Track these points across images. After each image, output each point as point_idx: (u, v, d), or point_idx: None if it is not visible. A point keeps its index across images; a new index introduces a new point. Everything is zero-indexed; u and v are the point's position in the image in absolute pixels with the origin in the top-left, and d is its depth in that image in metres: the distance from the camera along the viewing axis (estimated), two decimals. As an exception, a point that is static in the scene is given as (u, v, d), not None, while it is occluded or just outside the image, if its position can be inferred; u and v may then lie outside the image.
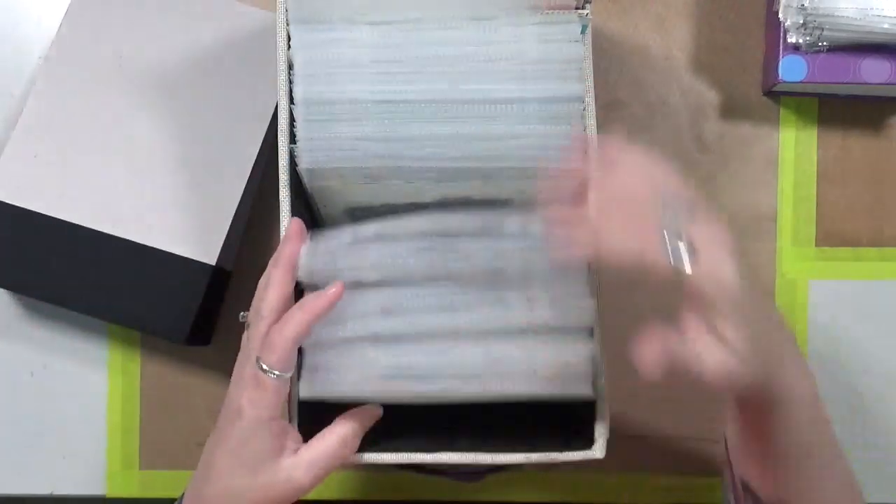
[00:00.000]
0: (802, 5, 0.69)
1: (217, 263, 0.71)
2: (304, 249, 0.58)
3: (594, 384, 0.58)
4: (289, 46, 0.59)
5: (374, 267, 0.57)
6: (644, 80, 0.77)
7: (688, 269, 0.49)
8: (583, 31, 0.58)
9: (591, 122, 0.60)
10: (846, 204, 0.77)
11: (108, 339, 0.77)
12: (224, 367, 0.76)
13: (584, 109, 0.58)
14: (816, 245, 0.77)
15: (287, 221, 0.59)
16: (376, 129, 0.57)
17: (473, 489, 0.76)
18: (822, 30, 0.69)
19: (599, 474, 0.77)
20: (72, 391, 0.77)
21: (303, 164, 0.57)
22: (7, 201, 0.71)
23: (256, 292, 0.60)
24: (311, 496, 0.58)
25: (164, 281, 0.70)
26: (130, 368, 0.77)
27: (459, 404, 0.64)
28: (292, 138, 0.58)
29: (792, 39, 0.70)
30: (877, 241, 0.77)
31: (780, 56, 0.71)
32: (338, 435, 0.57)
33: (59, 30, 0.74)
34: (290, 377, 0.57)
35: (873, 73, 0.71)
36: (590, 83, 0.60)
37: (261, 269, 0.76)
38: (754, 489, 0.59)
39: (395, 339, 0.57)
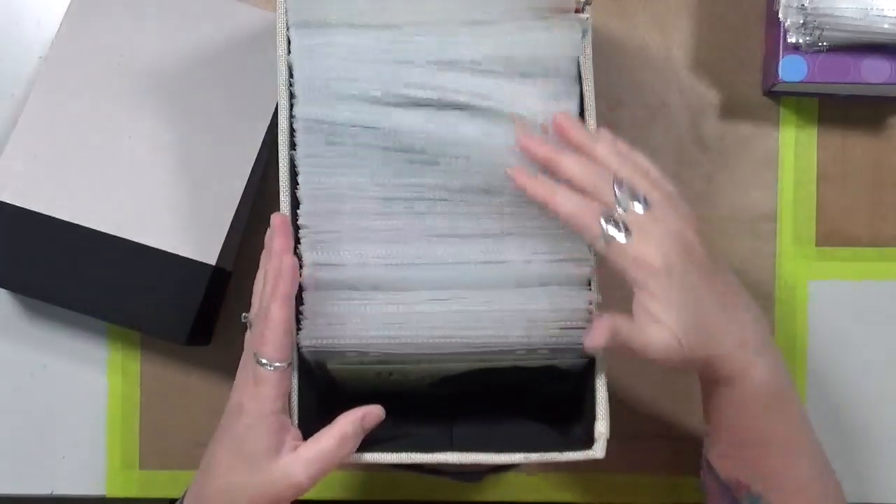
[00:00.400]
0: (802, 5, 0.69)
1: (217, 263, 0.71)
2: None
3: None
4: (289, 51, 0.59)
5: (377, 216, 0.58)
6: (644, 80, 0.77)
7: (602, 250, 0.54)
8: (584, 36, 0.59)
9: (592, 122, 0.60)
10: (846, 204, 0.77)
11: (108, 339, 0.77)
12: (224, 367, 0.77)
13: (585, 111, 0.59)
14: (816, 245, 0.77)
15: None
16: (377, 134, 0.58)
17: (473, 489, 0.76)
18: (822, 30, 0.69)
19: (599, 474, 0.77)
20: (72, 391, 0.77)
21: (301, 177, 0.58)
22: (7, 201, 0.71)
23: (254, 292, 0.60)
24: (310, 495, 0.58)
25: (164, 281, 0.71)
26: (130, 368, 0.77)
27: (459, 405, 0.64)
28: (292, 141, 0.59)
29: (792, 39, 0.70)
30: (877, 241, 0.77)
31: (780, 56, 0.71)
32: (337, 434, 0.57)
33: (59, 30, 0.74)
34: (289, 368, 0.57)
35: (873, 73, 0.71)
36: (590, 85, 0.60)
37: (261, 269, 0.76)
38: (714, 466, 0.61)
39: (396, 288, 0.58)
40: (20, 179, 0.72)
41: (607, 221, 0.54)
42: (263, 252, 0.61)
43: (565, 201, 0.54)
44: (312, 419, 0.60)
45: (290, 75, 0.59)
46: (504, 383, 0.63)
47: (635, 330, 0.54)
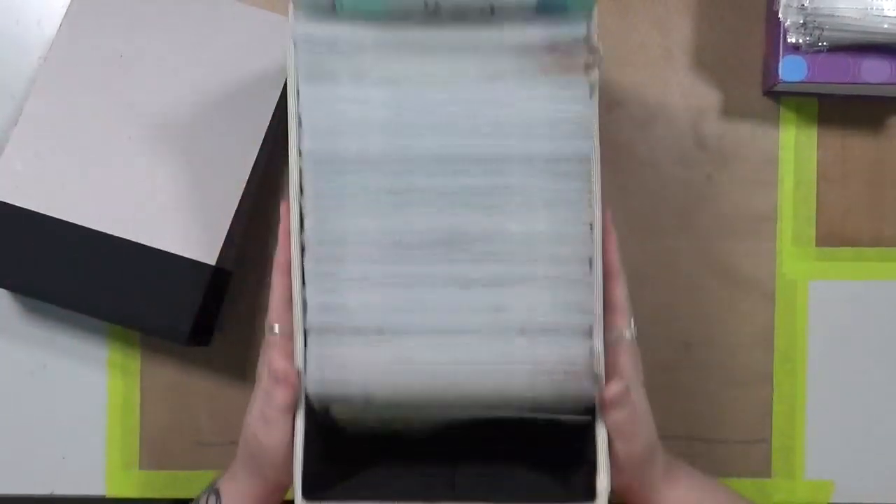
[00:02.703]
0: (802, 5, 0.69)
1: (217, 263, 0.71)
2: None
3: (595, 384, 0.58)
4: (298, 103, 0.58)
5: (382, 261, 0.58)
6: (644, 80, 0.77)
7: (626, 339, 0.61)
8: (591, 94, 0.59)
9: (597, 182, 0.59)
10: (846, 204, 0.77)
11: (108, 339, 0.77)
12: (224, 367, 0.77)
13: (590, 168, 0.58)
14: (816, 245, 0.77)
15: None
16: (384, 183, 0.58)
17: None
18: (822, 30, 0.69)
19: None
20: (72, 391, 0.77)
21: (308, 223, 0.58)
22: (7, 201, 0.71)
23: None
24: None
25: (164, 281, 0.71)
26: (130, 368, 0.77)
27: (459, 450, 0.63)
28: (300, 186, 0.59)
29: (792, 39, 0.70)
30: (877, 241, 0.77)
31: (780, 56, 0.71)
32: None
33: (59, 30, 0.74)
34: (289, 336, 0.59)
35: (873, 73, 0.71)
36: (596, 143, 0.59)
37: (261, 269, 0.76)
38: None
39: (402, 332, 0.58)
40: (20, 179, 0.72)
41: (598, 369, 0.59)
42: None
43: (618, 287, 0.61)
44: (317, 463, 0.59)
45: (300, 125, 0.58)
46: (507, 431, 0.63)
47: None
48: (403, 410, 0.59)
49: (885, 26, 0.69)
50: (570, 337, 0.58)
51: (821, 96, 0.76)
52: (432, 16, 0.57)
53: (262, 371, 0.61)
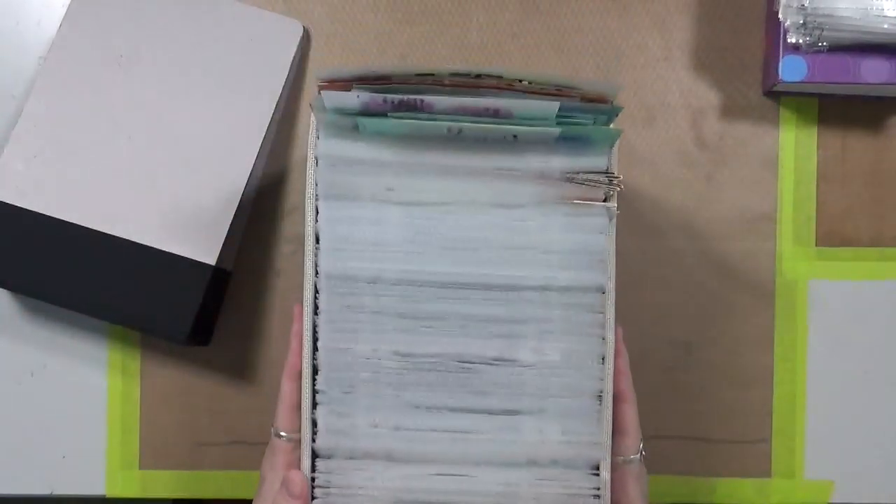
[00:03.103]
0: (802, 5, 0.69)
1: (217, 263, 0.71)
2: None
3: None
4: (316, 220, 0.59)
5: (393, 386, 0.58)
6: (644, 80, 0.77)
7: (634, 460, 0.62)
8: (609, 223, 0.58)
9: (611, 312, 0.59)
10: (846, 204, 0.77)
11: (108, 339, 0.77)
12: (224, 367, 0.77)
13: (605, 299, 0.59)
14: (816, 245, 0.77)
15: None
16: (397, 307, 0.58)
17: None
18: (822, 30, 0.69)
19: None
20: (72, 391, 0.77)
21: (322, 343, 0.59)
22: (7, 201, 0.71)
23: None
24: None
25: (164, 281, 0.71)
26: (130, 368, 0.77)
27: None
28: (315, 306, 0.59)
29: (792, 39, 0.70)
30: (877, 241, 0.77)
31: (780, 56, 0.71)
32: None
33: (59, 30, 0.74)
34: (298, 443, 0.60)
35: (873, 73, 0.71)
36: (611, 272, 0.59)
37: (261, 269, 0.77)
38: None
39: (409, 460, 0.58)
40: (20, 179, 0.72)
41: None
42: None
43: (629, 411, 0.62)
44: None
45: (317, 242, 0.58)
46: None
47: None
48: None
49: (885, 26, 0.69)
50: (578, 470, 0.59)
51: (821, 96, 0.76)
52: (455, 140, 0.57)
53: (267, 471, 0.61)
